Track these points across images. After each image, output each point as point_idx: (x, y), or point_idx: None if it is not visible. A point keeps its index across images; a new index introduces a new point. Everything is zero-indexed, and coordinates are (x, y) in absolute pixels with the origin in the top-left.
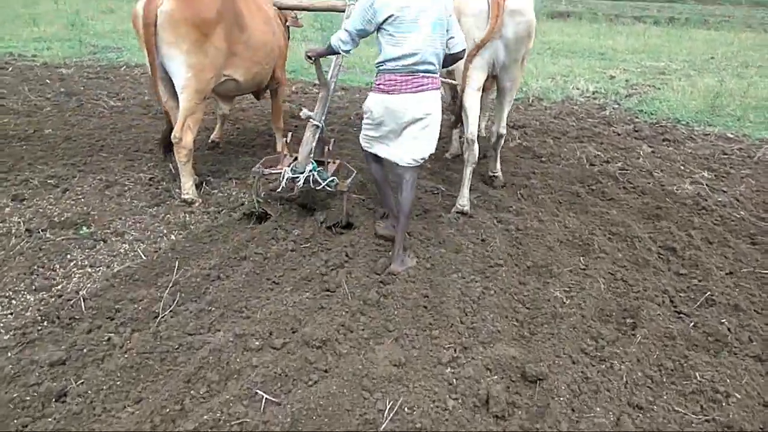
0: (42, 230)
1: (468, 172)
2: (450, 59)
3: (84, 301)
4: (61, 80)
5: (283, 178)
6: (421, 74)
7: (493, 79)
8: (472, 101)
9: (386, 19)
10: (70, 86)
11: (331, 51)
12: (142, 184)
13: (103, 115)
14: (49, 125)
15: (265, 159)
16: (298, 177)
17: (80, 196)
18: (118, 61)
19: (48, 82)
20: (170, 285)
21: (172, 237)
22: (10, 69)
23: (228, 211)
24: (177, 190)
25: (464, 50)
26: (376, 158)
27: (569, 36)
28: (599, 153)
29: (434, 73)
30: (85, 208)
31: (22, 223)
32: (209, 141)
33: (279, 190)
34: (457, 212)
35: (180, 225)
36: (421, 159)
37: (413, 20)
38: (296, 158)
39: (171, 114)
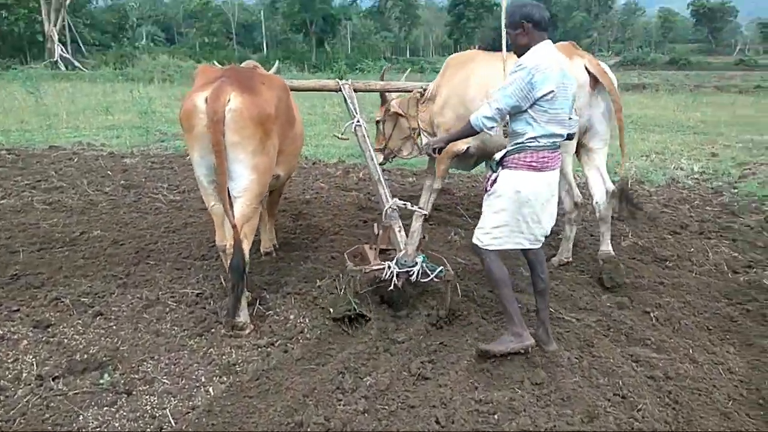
0: (55, 378)
1: (572, 230)
2: None
3: None
4: (123, 171)
5: (388, 274)
6: (559, 150)
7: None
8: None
9: (545, 95)
10: (131, 178)
11: (467, 133)
12: (187, 304)
13: (160, 212)
14: (99, 225)
15: (347, 252)
16: (409, 271)
17: (113, 323)
18: (184, 148)
19: (110, 173)
20: None
21: (211, 390)
22: (76, 160)
23: (284, 342)
24: (224, 313)
25: None
26: (498, 256)
27: (650, 108)
28: (737, 254)
29: None
30: (115, 339)
31: (35, 365)
32: (262, 253)
33: (390, 288)
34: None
35: (223, 368)
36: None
37: (566, 97)
38: (383, 250)
39: (218, 219)
